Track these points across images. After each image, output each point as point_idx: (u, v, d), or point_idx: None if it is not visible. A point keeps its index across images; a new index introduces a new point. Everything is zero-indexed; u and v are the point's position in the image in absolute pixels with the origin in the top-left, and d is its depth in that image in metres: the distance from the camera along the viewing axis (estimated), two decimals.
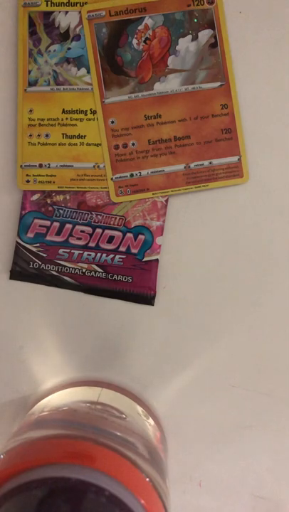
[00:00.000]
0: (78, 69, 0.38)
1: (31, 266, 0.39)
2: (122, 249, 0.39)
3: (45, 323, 0.39)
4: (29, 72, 0.38)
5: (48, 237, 0.39)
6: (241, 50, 0.38)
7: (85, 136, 0.38)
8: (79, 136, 0.38)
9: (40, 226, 0.39)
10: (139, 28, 0.38)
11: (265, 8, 0.38)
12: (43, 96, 0.38)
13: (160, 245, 0.39)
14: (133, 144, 0.38)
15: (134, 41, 0.38)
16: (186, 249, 0.39)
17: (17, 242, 0.39)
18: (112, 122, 0.38)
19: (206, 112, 0.38)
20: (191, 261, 0.39)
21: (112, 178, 0.38)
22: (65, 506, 0.25)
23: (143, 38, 0.38)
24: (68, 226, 0.39)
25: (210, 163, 0.38)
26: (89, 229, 0.39)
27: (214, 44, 0.38)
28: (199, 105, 0.38)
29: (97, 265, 0.39)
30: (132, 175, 0.38)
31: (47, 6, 0.38)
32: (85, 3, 0.37)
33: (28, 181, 0.38)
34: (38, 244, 0.39)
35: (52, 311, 0.39)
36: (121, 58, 0.38)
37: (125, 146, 0.38)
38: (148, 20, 0.37)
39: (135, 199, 0.38)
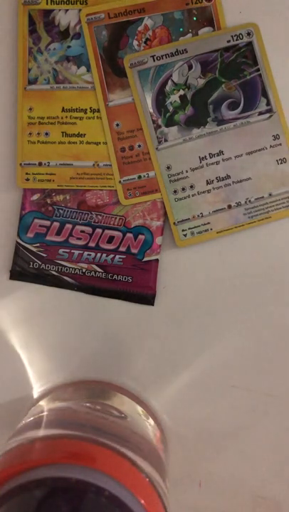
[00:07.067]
0: (78, 67, 0.38)
1: (31, 266, 0.39)
2: (122, 249, 0.38)
3: (45, 323, 0.39)
4: (29, 70, 0.38)
5: (48, 237, 0.39)
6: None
7: (84, 134, 0.38)
8: (79, 135, 0.38)
9: (40, 226, 0.39)
10: (139, 29, 0.38)
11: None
12: (42, 94, 0.38)
13: (160, 245, 0.39)
14: (139, 146, 0.38)
15: (135, 42, 0.38)
16: (186, 249, 0.39)
17: (17, 242, 0.39)
18: (117, 125, 0.38)
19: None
20: (191, 261, 0.39)
21: (120, 181, 0.38)
22: (65, 506, 0.25)
23: (143, 39, 0.38)
24: (68, 226, 0.38)
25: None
26: (89, 229, 0.39)
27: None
28: None
29: (97, 265, 0.39)
30: (139, 177, 0.38)
31: (47, 4, 0.38)
32: (85, 1, 0.37)
33: (27, 180, 0.38)
34: (38, 244, 0.39)
35: (52, 311, 0.39)
36: (122, 60, 0.38)
37: (131, 148, 0.38)
38: (147, 21, 0.37)
39: (144, 201, 0.38)
